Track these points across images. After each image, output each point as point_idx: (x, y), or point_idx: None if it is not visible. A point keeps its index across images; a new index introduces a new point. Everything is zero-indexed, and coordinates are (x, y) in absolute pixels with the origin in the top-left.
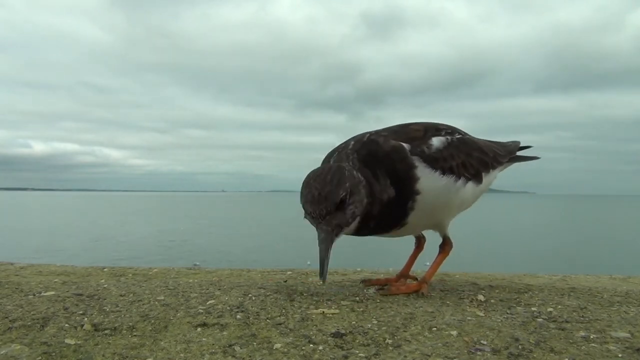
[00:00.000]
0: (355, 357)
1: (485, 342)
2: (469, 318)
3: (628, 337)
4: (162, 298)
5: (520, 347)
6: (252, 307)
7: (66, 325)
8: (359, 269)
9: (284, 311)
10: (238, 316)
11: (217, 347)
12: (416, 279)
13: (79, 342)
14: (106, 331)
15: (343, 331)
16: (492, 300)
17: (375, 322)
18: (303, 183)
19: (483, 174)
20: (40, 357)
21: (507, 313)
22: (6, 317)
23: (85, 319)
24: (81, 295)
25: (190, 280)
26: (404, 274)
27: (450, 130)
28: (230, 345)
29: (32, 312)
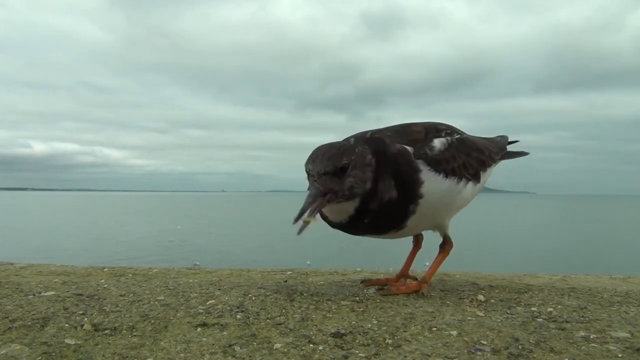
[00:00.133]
0: (355, 357)
1: (485, 342)
2: (469, 318)
3: (628, 337)
4: (162, 298)
5: (520, 347)
6: (252, 307)
7: (66, 325)
8: (359, 269)
9: (284, 311)
10: (238, 316)
11: (217, 347)
12: (416, 278)
13: (79, 342)
14: (106, 331)
15: (343, 331)
16: (492, 300)
17: (375, 322)
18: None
19: (481, 172)
20: (40, 357)
21: (507, 313)
22: (6, 317)
23: (85, 319)
24: (81, 295)
25: (190, 280)
26: (404, 274)
27: (449, 131)
28: (230, 345)
29: (32, 312)
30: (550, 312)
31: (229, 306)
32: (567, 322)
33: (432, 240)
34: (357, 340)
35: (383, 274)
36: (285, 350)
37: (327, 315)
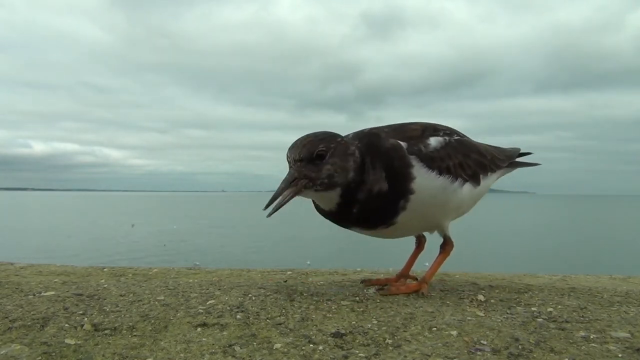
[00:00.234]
0: (355, 357)
1: (485, 342)
2: (469, 318)
3: (628, 337)
4: (162, 298)
5: (520, 347)
6: (252, 307)
7: (66, 325)
8: (359, 269)
9: (284, 311)
10: (238, 316)
11: (217, 347)
12: (416, 279)
13: (79, 342)
14: (106, 331)
15: (343, 331)
16: (492, 300)
17: (375, 322)
18: None
19: (481, 176)
20: (40, 357)
21: (507, 313)
22: (6, 317)
23: (85, 319)
24: (81, 295)
25: (190, 280)
26: (404, 274)
27: (449, 132)
28: (230, 345)
29: (32, 312)
30: (550, 312)
31: (229, 306)
32: (567, 322)
33: (433, 241)
34: (357, 340)
35: (383, 274)
36: (285, 350)
37: (327, 315)
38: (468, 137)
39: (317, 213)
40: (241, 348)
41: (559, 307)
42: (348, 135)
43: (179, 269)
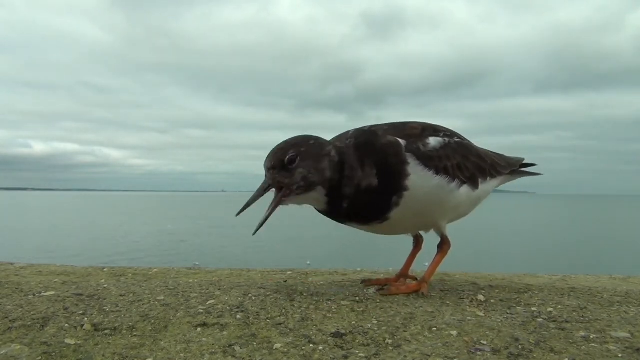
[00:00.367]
0: (355, 357)
1: (485, 342)
2: (469, 318)
3: (628, 337)
4: (162, 298)
5: (520, 347)
6: (252, 307)
7: (66, 325)
8: (359, 269)
9: (284, 311)
10: (238, 316)
11: (217, 347)
12: (416, 278)
13: (79, 342)
14: (106, 331)
15: (343, 331)
16: (492, 300)
17: (375, 322)
18: None
19: (480, 180)
20: (40, 357)
21: (507, 313)
22: (6, 317)
23: (85, 319)
24: (81, 295)
25: (190, 280)
26: (404, 274)
27: (449, 133)
28: (230, 345)
29: (32, 312)
30: (550, 312)
31: (229, 306)
32: (567, 322)
33: (431, 241)
34: (357, 340)
35: (383, 274)
36: (285, 350)
37: (327, 315)
38: (469, 141)
39: (317, 212)
40: (241, 348)
41: (559, 307)
42: (349, 131)
43: (179, 269)
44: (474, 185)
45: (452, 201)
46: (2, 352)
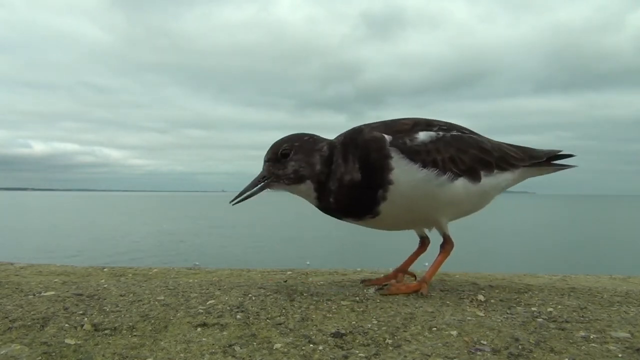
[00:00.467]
0: (355, 357)
1: (485, 342)
2: (469, 318)
3: (628, 337)
4: (162, 298)
5: (520, 347)
6: (252, 307)
7: (66, 325)
8: (359, 269)
9: (284, 311)
10: (238, 316)
11: (217, 347)
12: (414, 276)
13: (79, 342)
14: (106, 331)
15: (343, 331)
16: (492, 300)
17: (375, 322)
18: None
19: (482, 173)
20: (40, 357)
21: (507, 313)
22: (6, 317)
23: (85, 319)
24: (81, 295)
25: (190, 280)
26: (403, 270)
27: (446, 127)
28: (230, 345)
29: (32, 312)
30: (550, 312)
31: (229, 306)
32: (567, 322)
33: (436, 242)
34: (357, 340)
35: (383, 274)
36: (285, 350)
37: (327, 315)
38: (477, 134)
39: (317, 213)
40: (241, 348)
41: (559, 307)
42: (345, 132)
43: (179, 269)
44: (474, 178)
45: (446, 194)
46: (2, 352)
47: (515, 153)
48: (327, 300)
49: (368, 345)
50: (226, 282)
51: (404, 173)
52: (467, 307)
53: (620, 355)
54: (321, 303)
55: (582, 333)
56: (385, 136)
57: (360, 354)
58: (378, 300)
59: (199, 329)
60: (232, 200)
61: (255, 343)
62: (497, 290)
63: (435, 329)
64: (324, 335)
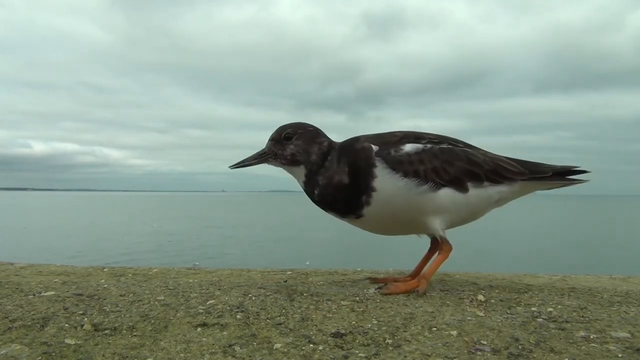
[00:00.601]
0: (355, 357)
1: (485, 342)
2: (469, 318)
3: (628, 337)
4: (162, 298)
5: (520, 347)
6: (252, 307)
7: (66, 325)
8: (359, 269)
9: (284, 311)
10: (238, 316)
11: (217, 347)
12: None
13: (79, 342)
14: (106, 331)
15: (343, 331)
16: (492, 300)
17: (375, 322)
18: None
19: (469, 184)
20: (40, 357)
21: (507, 313)
22: (6, 317)
23: (85, 319)
24: (81, 295)
25: (190, 280)
26: (415, 276)
27: (436, 140)
28: (230, 345)
29: (32, 312)
30: (550, 312)
31: (229, 306)
32: (567, 322)
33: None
34: (357, 340)
35: (383, 274)
36: (285, 350)
37: (327, 315)
38: (475, 148)
39: (316, 213)
40: (241, 348)
41: (559, 307)
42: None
43: (179, 269)
44: (461, 188)
45: (429, 203)
46: (2, 352)
47: (512, 167)
48: (327, 300)
49: (368, 345)
50: (226, 282)
51: (386, 181)
52: (467, 307)
53: (620, 355)
54: (321, 303)
55: (582, 333)
56: (373, 146)
57: (360, 354)
58: (378, 300)
59: (199, 329)
60: (232, 165)
61: (255, 343)
62: (497, 290)
63: (435, 329)
64: (324, 335)
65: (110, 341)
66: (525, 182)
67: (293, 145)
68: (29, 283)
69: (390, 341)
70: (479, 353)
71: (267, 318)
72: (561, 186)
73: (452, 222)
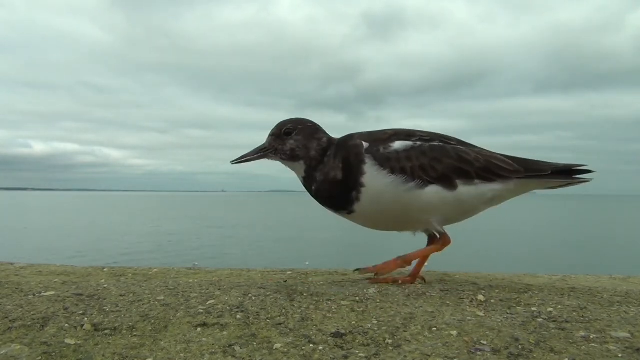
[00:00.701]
0: (355, 357)
1: (485, 342)
2: (469, 318)
3: (628, 337)
4: (162, 298)
5: (520, 347)
6: (252, 307)
7: (66, 325)
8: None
9: (284, 311)
10: (238, 316)
11: (217, 347)
12: (424, 279)
13: (79, 342)
14: (106, 331)
15: (343, 331)
16: (492, 300)
17: (375, 322)
18: None
19: (459, 182)
20: (40, 357)
21: (507, 313)
22: (6, 317)
23: (85, 319)
24: (81, 295)
25: (190, 280)
26: (414, 275)
27: (427, 138)
28: (230, 345)
29: (32, 312)
30: (550, 312)
31: (229, 306)
32: (567, 322)
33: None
34: (357, 340)
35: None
36: (285, 350)
37: (327, 315)
38: (469, 145)
39: (317, 213)
40: (241, 348)
41: (559, 307)
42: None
43: (179, 269)
44: (449, 186)
45: (417, 200)
46: (2, 352)
47: (507, 165)
48: (327, 300)
49: (368, 345)
50: (226, 282)
51: (374, 178)
52: (467, 307)
53: (620, 355)
54: (321, 303)
55: (582, 333)
56: (364, 143)
57: (360, 354)
58: (378, 300)
59: (199, 329)
60: (233, 160)
61: (255, 343)
62: (497, 290)
63: (435, 329)
64: (324, 335)
65: (110, 341)
66: (522, 180)
67: (293, 141)
68: (29, 283)
69: (390, 341)
70: (479, 353)
71: (267, 318)
72: (561, 185)
73: (446, 218)
